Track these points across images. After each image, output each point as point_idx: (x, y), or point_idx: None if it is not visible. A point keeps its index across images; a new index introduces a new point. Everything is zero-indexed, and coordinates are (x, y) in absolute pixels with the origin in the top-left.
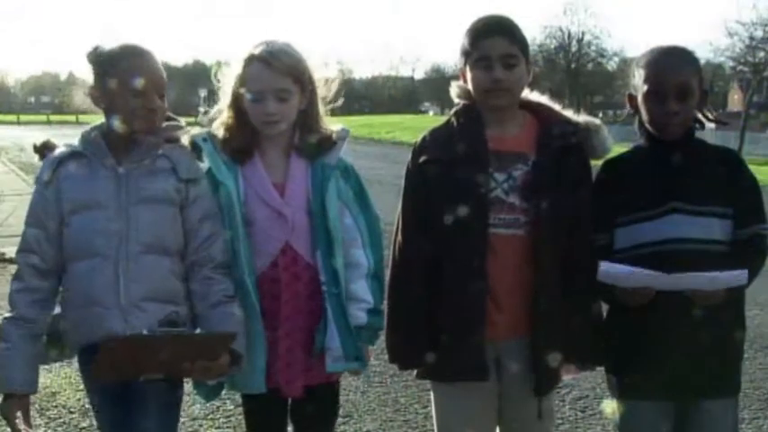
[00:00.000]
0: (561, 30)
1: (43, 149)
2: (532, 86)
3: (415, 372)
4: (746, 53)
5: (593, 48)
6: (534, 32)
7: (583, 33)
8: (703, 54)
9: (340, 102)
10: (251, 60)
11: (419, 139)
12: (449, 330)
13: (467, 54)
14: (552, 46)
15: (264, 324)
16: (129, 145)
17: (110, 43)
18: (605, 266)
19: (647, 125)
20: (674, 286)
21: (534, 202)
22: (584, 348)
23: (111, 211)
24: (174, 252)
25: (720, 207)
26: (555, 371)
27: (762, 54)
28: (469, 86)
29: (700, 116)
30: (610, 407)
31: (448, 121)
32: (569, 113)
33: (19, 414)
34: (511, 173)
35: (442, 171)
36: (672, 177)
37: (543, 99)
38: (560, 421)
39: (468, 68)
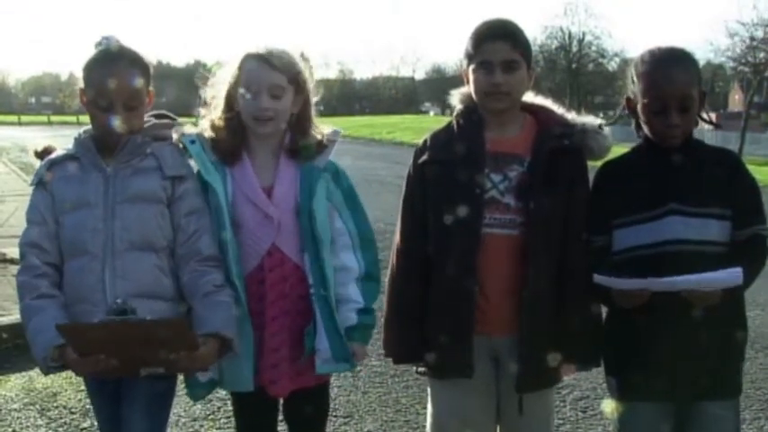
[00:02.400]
0: (562, 30)
1: (43, 154)
2: (534, 88)
3: (415, 370)
4: (747, 53)
5: (593, 48)
6: (535, 33)
7: (583, 34)
8: (703, 54)
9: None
10: (247, 58)
11: (421, 141)
12: (440, 327)
13: (470, 57)
14: (553, 46)
15: (252, 324)
16: (117, 145)
17: (97, 47)
18: (597, 278)
19: (648, 134)
20: (669, 287)
21: (528, 202)
22: (584, 348)
23: (100, 211)
24: (161, 248)
25: (719, 208)
26: (546, 369)
27: (762, 54)
28: (471, 88)
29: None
30: (610, 407)
31: (449, 124)
32: (571, 115)
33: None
34: (507, 174)
35: (440, 171)
36: (670, 179)
37: (546, 102)
38: (561, 422)
39: (470, 71)
